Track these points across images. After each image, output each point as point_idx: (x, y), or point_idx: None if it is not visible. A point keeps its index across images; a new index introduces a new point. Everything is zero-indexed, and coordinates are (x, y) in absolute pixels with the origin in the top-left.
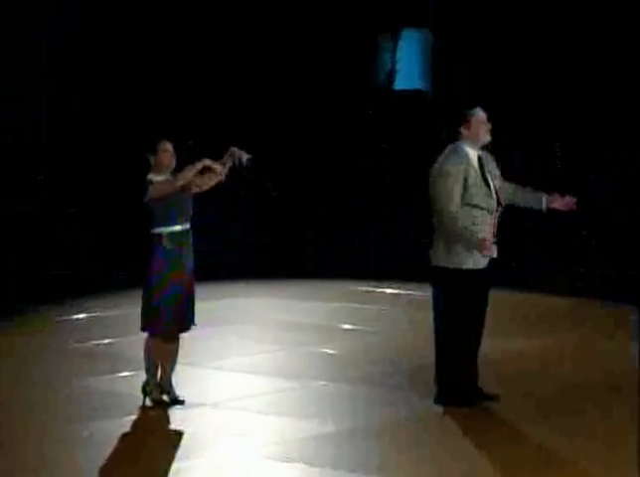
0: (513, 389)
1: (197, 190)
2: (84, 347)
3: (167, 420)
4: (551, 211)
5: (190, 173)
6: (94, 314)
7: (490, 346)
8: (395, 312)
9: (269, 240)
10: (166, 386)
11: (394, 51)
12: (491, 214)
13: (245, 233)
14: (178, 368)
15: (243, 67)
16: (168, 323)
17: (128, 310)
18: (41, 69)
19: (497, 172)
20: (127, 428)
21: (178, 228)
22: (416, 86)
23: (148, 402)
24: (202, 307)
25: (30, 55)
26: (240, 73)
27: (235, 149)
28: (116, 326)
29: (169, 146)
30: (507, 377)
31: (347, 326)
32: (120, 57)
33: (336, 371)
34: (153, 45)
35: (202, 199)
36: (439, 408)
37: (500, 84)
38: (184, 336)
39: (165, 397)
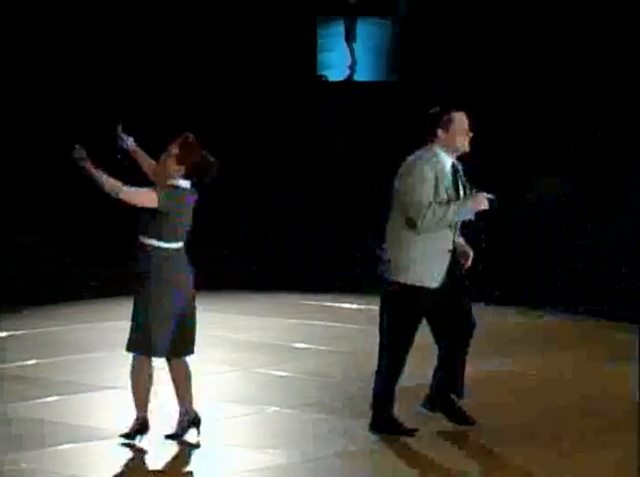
0: (493, 414)
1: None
2: None
3: (101, 453)
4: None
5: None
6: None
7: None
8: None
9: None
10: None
11: (348, 42)
12: (451, 228)
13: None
14: (110, 393)
15: (242, 68)
16: None
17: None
18: (41, 68)
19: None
20: (53, 462)
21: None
22: (378, 78)
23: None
24: None
25: (30, 55)
26: (239, 74)
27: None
28: (42, 346)
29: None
30: (490, 401)
31: (301, 345)
32: (119, 57)
33: (291, 395)
34: (151, 44)
35: None
36: (399, 437)
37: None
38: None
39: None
